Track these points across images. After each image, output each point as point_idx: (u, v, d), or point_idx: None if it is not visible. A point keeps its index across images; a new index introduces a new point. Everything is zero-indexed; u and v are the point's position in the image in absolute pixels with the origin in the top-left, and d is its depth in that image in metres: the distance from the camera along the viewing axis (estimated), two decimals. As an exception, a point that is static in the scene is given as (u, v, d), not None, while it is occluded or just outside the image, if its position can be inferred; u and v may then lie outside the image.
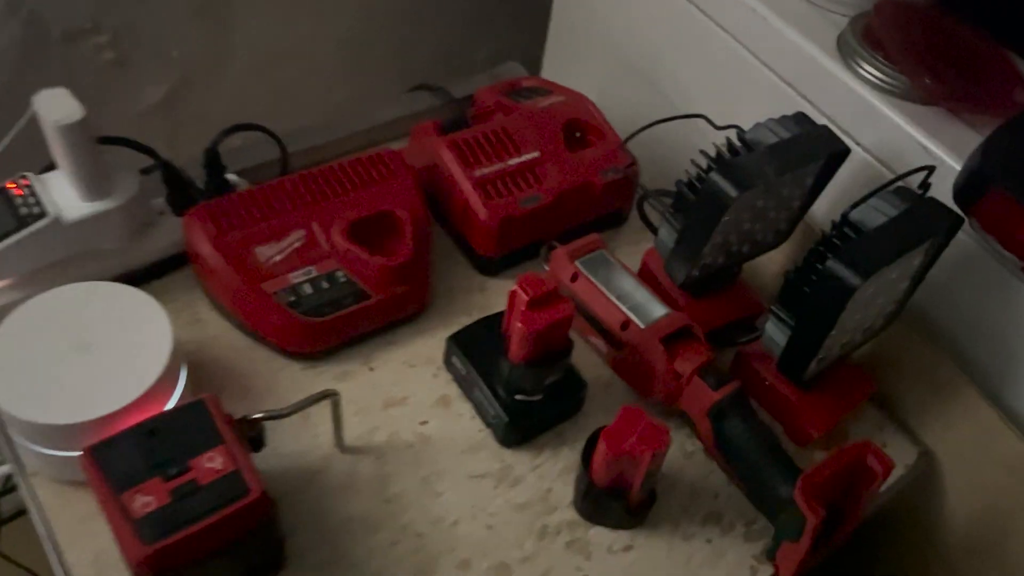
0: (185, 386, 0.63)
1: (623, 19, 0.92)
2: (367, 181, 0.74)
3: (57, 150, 0.64)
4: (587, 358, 0.72)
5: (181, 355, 0.64)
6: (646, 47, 0.90)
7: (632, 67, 0.93)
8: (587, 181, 0.77)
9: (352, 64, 1.09)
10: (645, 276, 0.75)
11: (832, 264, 0.57)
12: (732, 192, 0.60)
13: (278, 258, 0.68)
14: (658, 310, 0.68)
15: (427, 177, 0.81)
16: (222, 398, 0.55)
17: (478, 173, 0.75)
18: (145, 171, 0.72)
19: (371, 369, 0.70)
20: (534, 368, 0.63)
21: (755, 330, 0.73)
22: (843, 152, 0.65)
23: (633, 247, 0.83)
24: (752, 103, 0.79)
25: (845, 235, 0.60)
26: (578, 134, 0.81)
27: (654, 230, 0.81)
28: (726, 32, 0.80)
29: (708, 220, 0.64)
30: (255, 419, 0.58)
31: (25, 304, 0.60)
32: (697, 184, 0.64)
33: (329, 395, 0.60)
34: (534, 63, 1.08)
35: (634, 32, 0.91)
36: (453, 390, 0.69)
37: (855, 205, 0.60)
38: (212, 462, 0.53)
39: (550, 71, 1.08)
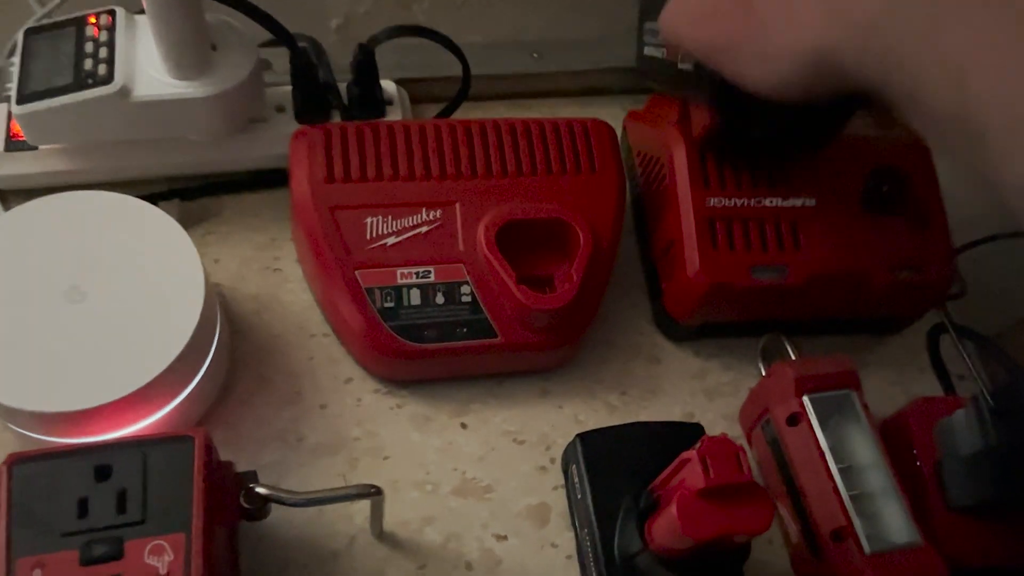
0: (212, 368, 0.45)
1: None
2: (556, 163, 0.51)
3: (145, 2, 0.44)
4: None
5: (221, 320, 0.46)
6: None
7: None
8: (865, 272, 0.50)
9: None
10: (893, 435, 0.49)
11: None
12: None
13: (392, 241, 0.48)
14: (898, 524, 0.43)
15: (644, 169, 0.57)
16: (262, 391, 0.43)
17: (713, 202, 0.50)
18: (267, 44, 0.51)
19: (463, 426, 0.50)
20: (677, 570, 0.40)
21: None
22: None
23: (899, 372, 0.56)
24: None
25: None
26: (886, 189, 0.53)
27: (946, 384, 0.54)
28: None
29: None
30: (258, 494, 0.39)
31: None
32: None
33: (369, 493, 0.40)
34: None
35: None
36: (559, 502, 0.48)
37: None
38: (158, 558, 0.35)
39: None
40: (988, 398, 0.41)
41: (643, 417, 0.51)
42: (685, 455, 0.38)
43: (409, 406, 0.50)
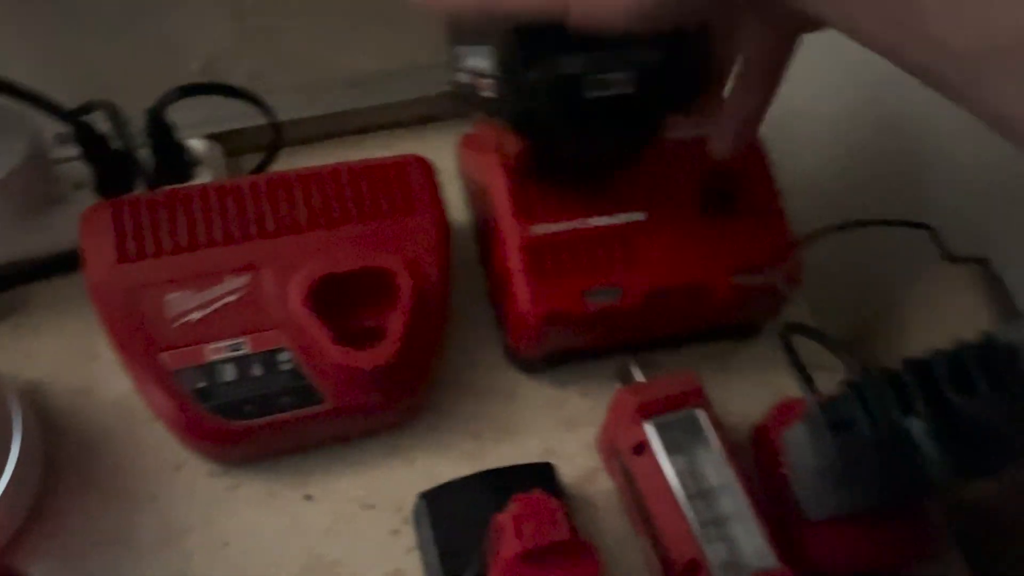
0: (15, 482, 0.42)
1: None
2: (369, 207, 0.48)
3: None
4: (630, 559, 0.47)
5: (25, 425, 0.43)
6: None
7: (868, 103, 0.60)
8: (704, 282, 0.48)
9: None
10: (763, 443, 0.48)
11: None
12: (949, 477, 0.32)
13: (197, 316, 0.45)
14: (754, 548, 0.42)
15: (475, 199, 0.54)
16: (85, 491, 0.41)
17: (538, 230, 0.48)
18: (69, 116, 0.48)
19: (308, 498, 0.47)
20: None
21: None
22: None
23: (765, 373, 0.54)
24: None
25: None
26: (725, 191, 0.51)
27: (805, 376, 0.52)
28: None
29: (892, 475, 0.35)
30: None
31: None
32: (882, 420, 0.35)
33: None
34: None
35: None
36: (414, 566, 0.46)
37: None
38: None
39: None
40: (820, 410, 0.39)
41: (500, 460, 0.49)
42: (500, 518, 0.36)
43: (247, 485, 0.47)
